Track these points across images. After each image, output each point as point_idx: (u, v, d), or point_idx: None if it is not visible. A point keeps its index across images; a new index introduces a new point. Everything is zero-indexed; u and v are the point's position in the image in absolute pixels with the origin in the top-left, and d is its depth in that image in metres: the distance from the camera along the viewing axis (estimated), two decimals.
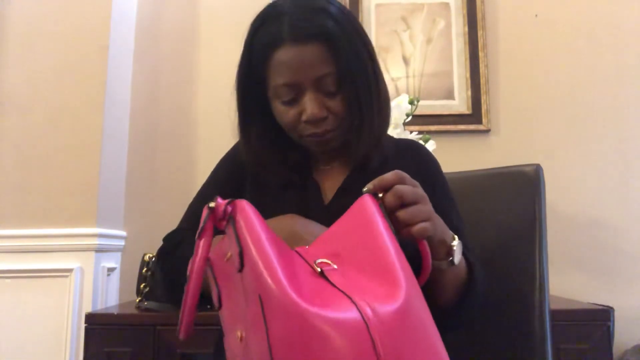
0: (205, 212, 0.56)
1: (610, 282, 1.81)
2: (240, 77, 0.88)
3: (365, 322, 0.47)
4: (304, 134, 0.84)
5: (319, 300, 0.49)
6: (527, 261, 0.99)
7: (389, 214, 0.63)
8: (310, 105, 0.80)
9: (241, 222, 0.54)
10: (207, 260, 0.57)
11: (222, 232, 0.57)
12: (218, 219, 0.56)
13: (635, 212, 1.85)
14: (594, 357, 1.30)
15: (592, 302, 1.57)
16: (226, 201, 0.56)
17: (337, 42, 0.79)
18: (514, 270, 1.00)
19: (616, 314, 1.56)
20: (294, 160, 0.90)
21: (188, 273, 0.56)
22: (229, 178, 0.94)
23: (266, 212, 0.84)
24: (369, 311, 0.48)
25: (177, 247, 0.87)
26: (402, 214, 0.63)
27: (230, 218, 0.55)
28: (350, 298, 0.50)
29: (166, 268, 0.88)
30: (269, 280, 0.48)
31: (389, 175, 0.64)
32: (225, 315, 0.58)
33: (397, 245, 0.58)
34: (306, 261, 0.57)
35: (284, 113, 0.83)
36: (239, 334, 0.53)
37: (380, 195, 0.63)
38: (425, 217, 0.64)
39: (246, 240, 0.52)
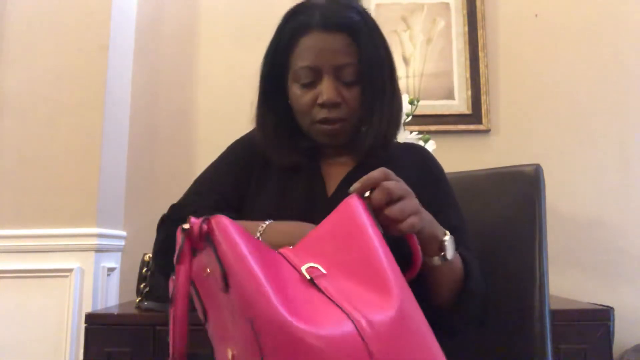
0: (179, 235, 0.53)
1: (610, 282, 1.81)
2: (266, 62, 0.92)
3: (361, 335, 0.46)
4: (315, 119, 0.86)
5: (312, 314, 0.48)
6: (527, 261, 0.99)
7: (377, 212, 0.63)
8: (326, 89, 0.83)
9: (221, 241, 0.51)
10: (190, 285, 0.53)
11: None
12: (195, 240, 0.52)
13: (635, 212, 1.85)
14: (594, 357, 1.29)
15: (592, 302, 1.57)
16: (201, 219, 0.52)
17: (361, 36, 0.84)
18: (514, 270, 1.00)
19: (616, 314, 1.56)
20: (303, 147, 0.92)
21: (171, 299, 0.53)
22: (239, 158, 0.95)
23: (271, 200, 0.86)
24: (363, 322, 0.47)
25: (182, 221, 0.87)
26: (390, 210, 0.63)
27: (207, 237, 0.52)
28: (342, 309, 0.49)
29: (167, 232, 0.86)
30: (261, 305, 0.46)
31: (375, 173, 0.65)
32: (212, 329, 0.56)
33: (387, 247, 0.57)
34: (293, 267, 0.55)
35: (300, 96, 0.86)
36: (229, 353, 0.51)
37: (367, 194, 0.63)
38: (412, 211, 0.65)
39: (229, 261, 0.49)
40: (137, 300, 1.47)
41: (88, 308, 1.55)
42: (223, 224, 0.52)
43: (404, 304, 0.51)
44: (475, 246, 0.87)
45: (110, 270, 1.71)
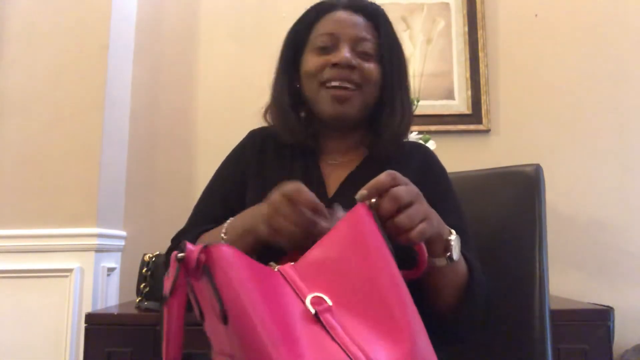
0: (174, 264, 0.49)
1: (610, 282, 1.81)
2: (288, 37, 0.94)
3: None
4: (324, 79, 0.86)
5: (314, 358, 0.46)
6: (527, 261, 0.99)
7: (386, 219, 0.60)
8: (343, 51, 0.85)
9: (220, 275, 0.47)
10: (183, 325, 0.50)
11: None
12: (191, 270, 0.48)
13: (635, 212, 1.85)
14: (594, 357, 1.29)
15: (592, 302, 1.57)
16: (198, 248, 0.48)
17: (381, 23, 0.89)
18: (514, 270, 1.00)
19: (616, 314, 1.56)
20: (310, 130, 0.92)
21: (164, 336, 0.49)
22: (234, 170, 0.96)
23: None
24: None
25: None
26: (400, 219, 0.60)
27: (205, 268, 0.48)
28: (347, 353, 0.47)
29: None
30: (262, 355, 0.44)
31: (382, 178, 0.62)
32: (209, 333, 0.54)
33: (396, 270, 0.54)
34: (297, 294, 0.52)
35: (313, 60, 0.88)
36: None
37: (374, 200, 0.60)
38: (422, 217, 0.62)
39: (228, 299, 0.46)
40: (137, 300, 1.47)
41: (88, 308, 1.55)
42: (223, 253, 0.48)
43: (415, 341, 0.48)
44: (475, 246, 0.87)
45: (110, 270, 1.70)
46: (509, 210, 1.05)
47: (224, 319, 0.46)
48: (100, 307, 1.61)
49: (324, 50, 0.87)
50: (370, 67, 0.86)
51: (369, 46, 0.86)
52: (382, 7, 0.94)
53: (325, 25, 0.88)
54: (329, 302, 0.51)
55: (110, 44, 1.71)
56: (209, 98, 1.97)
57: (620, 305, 1.68)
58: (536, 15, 1.98)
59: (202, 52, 2.00)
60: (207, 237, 0.82)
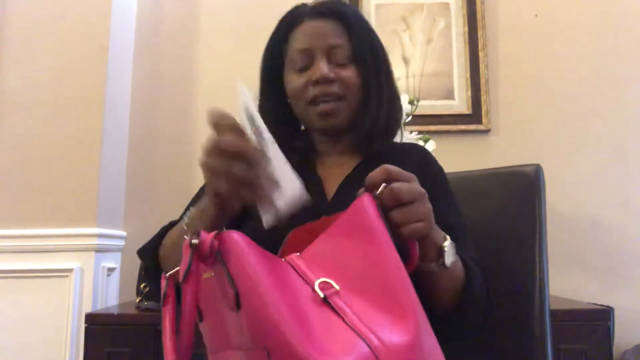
0: (187, 251, 0.49)
1: (610, 282, 1.81)
2: (264, 58, 0.95)
3: (376, 356, 0.46)
4: (309, 98, 0.87)
5: (326, 340, 0.47)
6: (527, 261, 0.99)
7: (385, 212, 0.61)
8: (320, 66, 0.86)
9: (233, 260, 0.49)
10: (197, 309, 0.51)
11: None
12: (204, 257, 0.49)
13: (635, 212, 1.85)
14: (594, 357, 1.29)
15: (592, 302, 1.57)
16: (212, 235, 0.49)
17: (352, 23, 0.88)
18: (514, 270, 1.00)
19: (616, 314, 1.56)
20: (299, 146, 0.93)
21: (165, 329, 0.50)
22: None
23: None
24: (377, 344, 0.47)
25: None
26: (395, 214, 0.61)
27: (218, 254, 0.49)
28: (357, 332, 0.48)
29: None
30: (277, 337, 0.45)
31: (375, 173, 0.62)
32: (207, 332, 0.55)
33: (398, 256, 0.55)
34: (306, 281, 0.54)
35: (295, 80, 0.89)
36: None
37: (379, 191, 0.61)
38: (420, 217, 0.62)
39: (242, 283, 0.47)
40: (137, 300, 1.47)
41: (88, 308, 1.55)
42: (236, 240, 0.50)
43: (421, 330, 0.49)
44: (474, 245, 0.87)
45: (110, 270, 1.70)
46: (509, 210, 1.04)
47: (237, 304, 0.47)
48: (100, 307, 1.61)
49: (302, 69, 0.88)
50: (348, 74, 0.87)
51: (343, 52, 0.87)
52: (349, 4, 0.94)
53: (298, 41, 0.89)
54: (337, 287, 0.53)
55: (110, 44, 1.71)
56: (209, 98, 1.97)
57: (620, 305, 1.68)
58: (536, 15, 1.98)
59: (202, 52, 2.00)
60: (172, 232, 0.82)
